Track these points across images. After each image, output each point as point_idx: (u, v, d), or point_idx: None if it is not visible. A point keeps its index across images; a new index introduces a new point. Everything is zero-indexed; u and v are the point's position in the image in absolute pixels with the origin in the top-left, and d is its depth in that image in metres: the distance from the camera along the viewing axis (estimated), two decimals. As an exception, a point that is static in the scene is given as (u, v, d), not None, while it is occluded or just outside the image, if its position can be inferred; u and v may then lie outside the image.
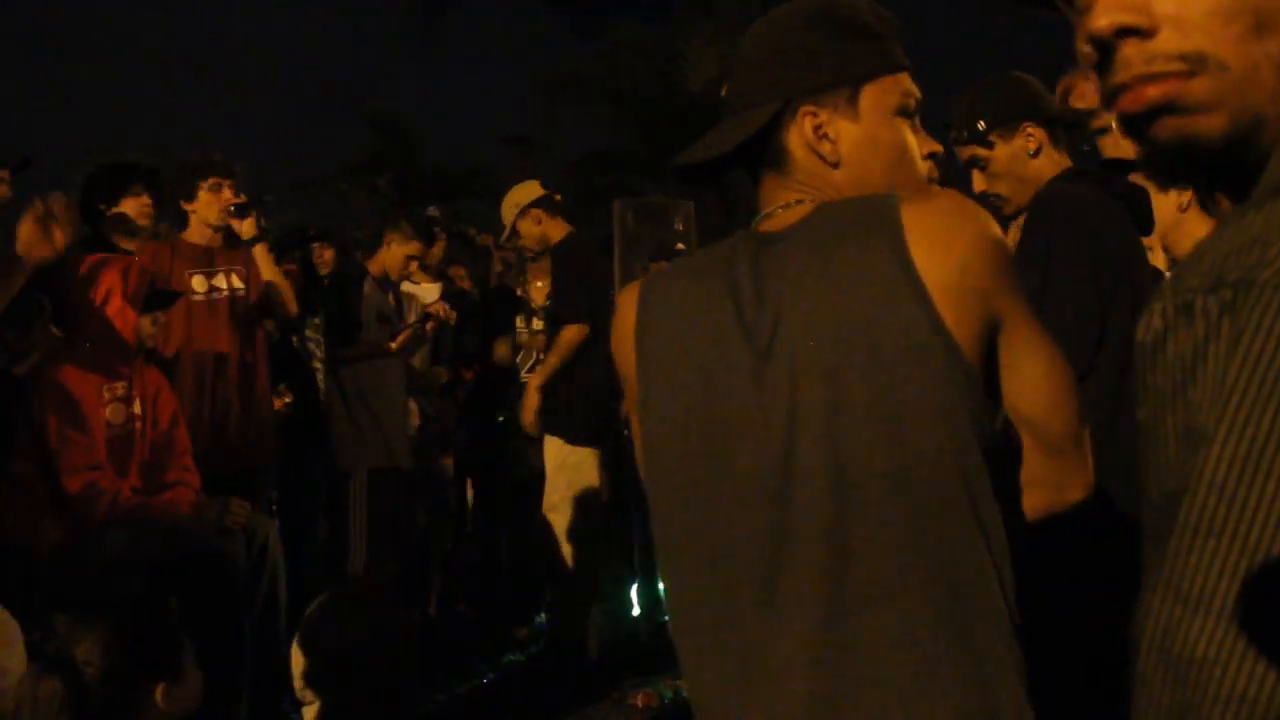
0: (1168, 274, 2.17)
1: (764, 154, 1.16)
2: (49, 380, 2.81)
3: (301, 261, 5.23)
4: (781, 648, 1.00)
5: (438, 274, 4.91)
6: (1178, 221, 2.38)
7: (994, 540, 0.99)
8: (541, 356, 4.25)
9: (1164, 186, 2.42)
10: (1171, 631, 0.56)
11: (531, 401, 3.95)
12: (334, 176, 16.28)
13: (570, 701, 3.58)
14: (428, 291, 4.52)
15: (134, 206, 3.53)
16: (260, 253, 3.61)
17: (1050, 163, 2.12)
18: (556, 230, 4.18)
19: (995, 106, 2.15)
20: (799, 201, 1.13)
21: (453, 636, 4.28)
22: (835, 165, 1.13)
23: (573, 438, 3.93)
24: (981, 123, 2.13)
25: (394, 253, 4.14)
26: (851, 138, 1.13)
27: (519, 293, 4.66)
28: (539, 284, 4.49)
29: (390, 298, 4.22)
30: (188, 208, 3.61)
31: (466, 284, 5.33)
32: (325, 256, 5.03)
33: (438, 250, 4.61)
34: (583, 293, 3.96)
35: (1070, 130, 2.25)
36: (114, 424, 2.90)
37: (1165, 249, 2.47)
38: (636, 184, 13.95)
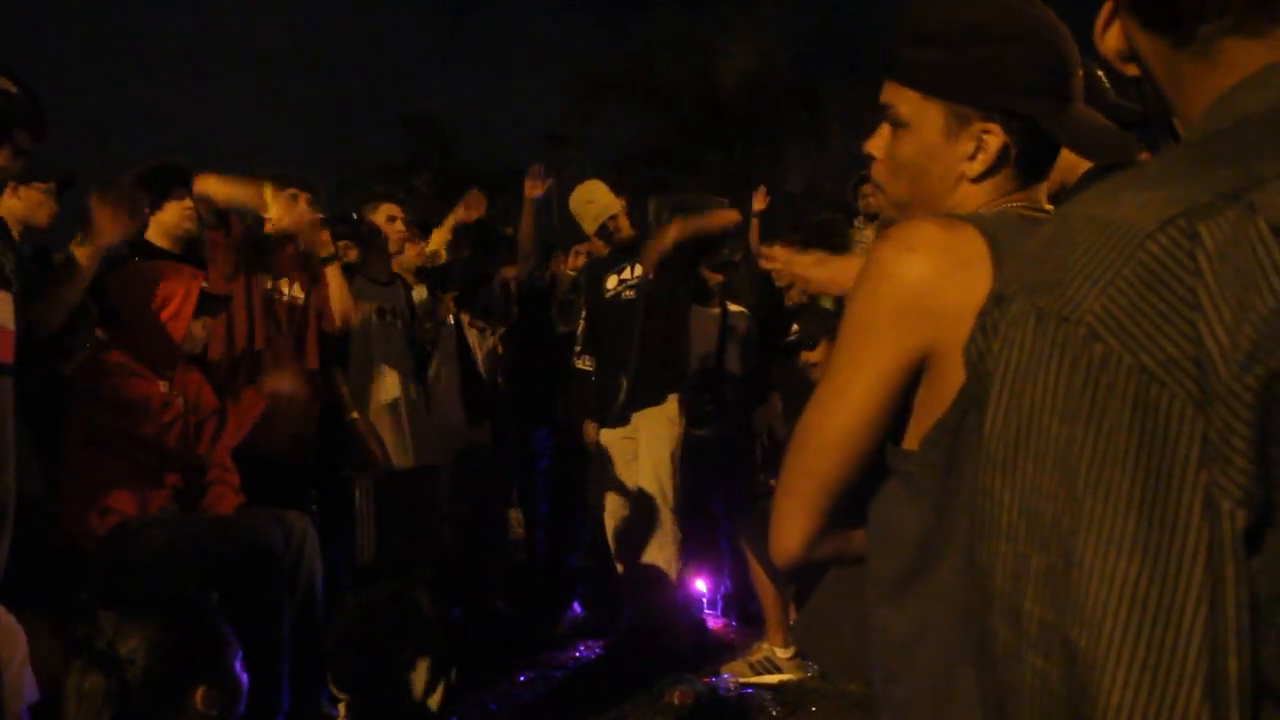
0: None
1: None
2: (104, 362, 2.90)
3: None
4: None
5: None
6: None
7: None
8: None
9: None
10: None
11: None
12: (371, 177, 16.45)
13: (607, 698, 3.58)
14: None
15: (178, 210, 3.58)
16: (333, 272, 3.66)
17: None
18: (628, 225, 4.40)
19: None
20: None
21: (490, 633, 4.30)
22: None
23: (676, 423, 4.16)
24: None
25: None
26: None
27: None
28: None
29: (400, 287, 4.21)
30: (264, 215, 3.56)
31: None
32: (350, 256, 5.05)
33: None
34: None
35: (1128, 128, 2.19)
36: (157, 422, 2.95)
37: None
38: (673, 180, 13.95)
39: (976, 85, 1.09)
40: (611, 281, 4.36)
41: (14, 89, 2.33)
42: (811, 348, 3.93)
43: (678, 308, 4.33)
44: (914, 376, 1.03)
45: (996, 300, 0.61)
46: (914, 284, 1.02)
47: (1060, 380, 0.55)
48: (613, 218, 4.29)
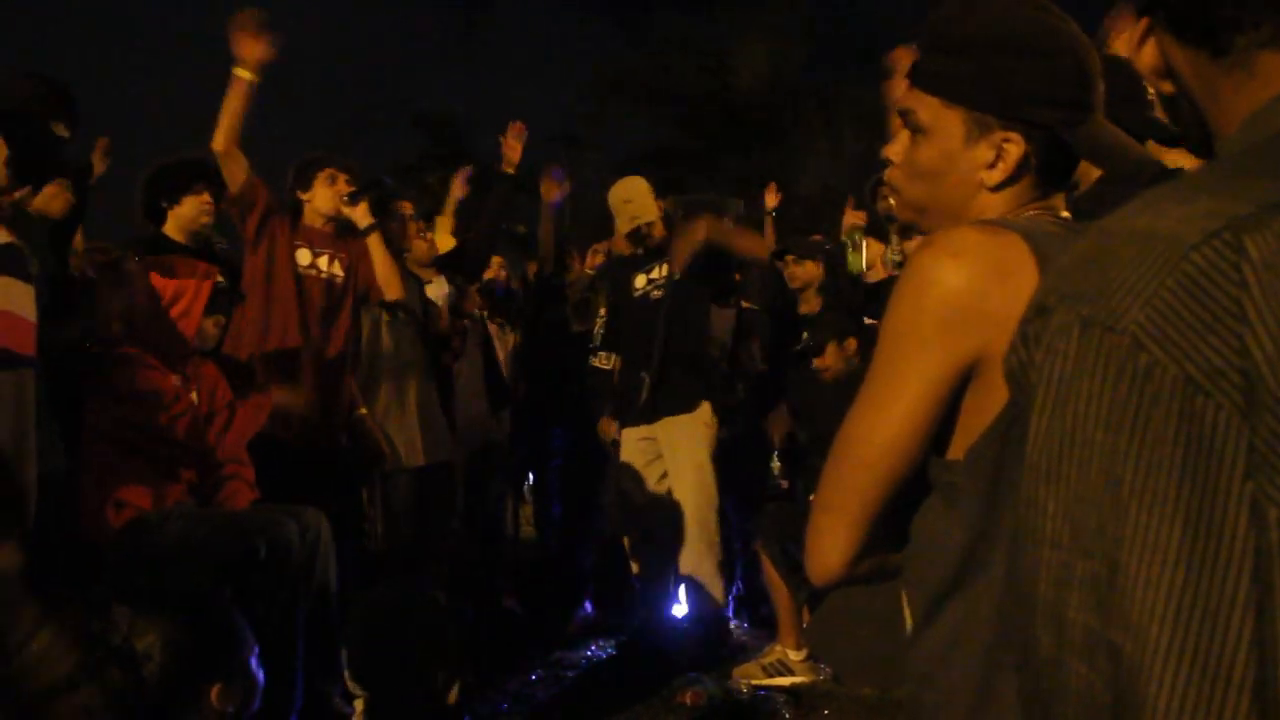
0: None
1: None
2: (118, 356, 2.90)
3: None
4: None
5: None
6: None
7: None
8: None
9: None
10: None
11: None
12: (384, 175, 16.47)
13: (619, 699, 3.58)
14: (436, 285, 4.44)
15: (195, 205, 3.59)
16: (374, 242, 3.58)
17: None
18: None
19: None
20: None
21: (501, 632, 4.30)
22: None
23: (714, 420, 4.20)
24: None
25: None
26: None
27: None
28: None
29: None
30: (303, 197, 3.62)
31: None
32: None
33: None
34: None
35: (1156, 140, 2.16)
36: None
37: None
38: (687, 181, 13.94)
39: (997, 94, 1.08)
40: (640, 281, 4.37)
41: (68, 134, 2.36)
42: (820, 354, 3.93)
43: (699, 308, 4.33)
44: (960, 385, 1.01)
45: (1038, 310, 0.61)
46: (960, 290, 0.99)
47: (1105, 389, 0.55)
48: (648, 224, 4.27)
